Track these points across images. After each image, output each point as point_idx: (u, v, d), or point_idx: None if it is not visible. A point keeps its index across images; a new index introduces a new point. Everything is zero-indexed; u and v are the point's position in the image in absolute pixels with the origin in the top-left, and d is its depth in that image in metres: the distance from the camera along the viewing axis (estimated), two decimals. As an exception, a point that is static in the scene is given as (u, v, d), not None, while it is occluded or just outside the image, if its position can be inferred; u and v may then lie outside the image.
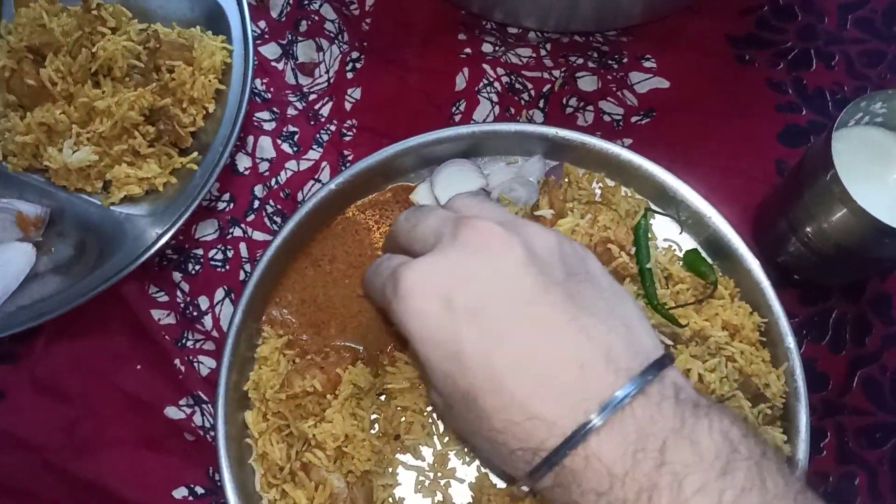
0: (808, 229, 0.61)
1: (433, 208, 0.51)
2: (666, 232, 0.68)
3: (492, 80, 0.74)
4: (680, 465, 0.38)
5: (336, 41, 0.75)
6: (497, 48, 0.75)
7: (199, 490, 0.63)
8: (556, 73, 0.74)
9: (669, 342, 0.61)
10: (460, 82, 0.74)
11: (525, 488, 0.44)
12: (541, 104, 0.73)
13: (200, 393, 0.64)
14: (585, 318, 0.42)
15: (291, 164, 0.71)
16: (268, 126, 0.72)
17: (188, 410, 0.64)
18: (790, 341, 0.62)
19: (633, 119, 0.73)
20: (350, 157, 0.71)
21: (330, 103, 0.72)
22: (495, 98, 0.73)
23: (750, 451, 0.39)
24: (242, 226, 0.69)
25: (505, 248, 0.44)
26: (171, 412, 0.64)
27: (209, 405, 0.64)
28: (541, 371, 0.41)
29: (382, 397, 0.62)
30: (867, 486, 0.63)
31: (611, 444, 0.39)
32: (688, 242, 0.68)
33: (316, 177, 0.70)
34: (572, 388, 0.41)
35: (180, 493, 0.62)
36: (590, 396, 0.40)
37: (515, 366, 0.41)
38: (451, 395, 0.44)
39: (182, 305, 0.67)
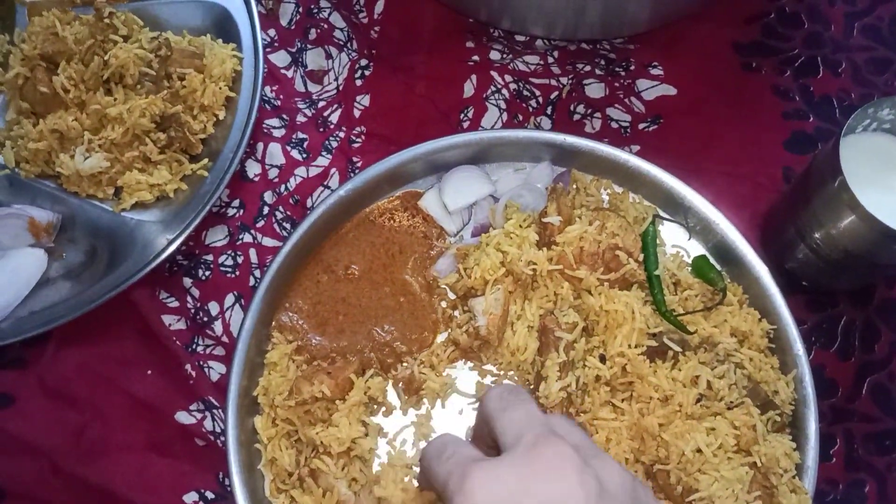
0: (817, 235, 0.61)
1: (526, 399, 0.49)
2: (674, 238, 0.68)
3: (500, 87, 0.74)
4: None
5: (345, 49, 0.75)
6: (505, 55, 0.75)
7: (210, 495, 0.63)
8: (564, 80, 0.74)
9: (678, 349, 0.61)
10: (468, 89, 0.74)
11: None
12: (549, 111, 0.73)
13: (211, 398, 0.64)
14: None
15: (301, 171, 0.71)
16: (277, 133, 0.72)
17: (199, 415, 0.64)
18: (799, 348, 0.62)
19: (641, 126, 0.73)
20: (359, 164, 0.71)
21: (339, 110, 0.73)
22: (503, 105, 0.73)
23: None
24: (252, 232, 0.69)
25: (580, 479, 0.43)
26: (182, 417, 0.64)
27: (220, 410, 0.64)
28: None
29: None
30: (876, 493, 0.63)
31: None
32: (696, 249, 0.68)
33: (325, 183, 0.71)
34: None
35: (190, 497, 0.62)
36: None
37: None
38: None
39: (192, 311, 0.67)
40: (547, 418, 0.48)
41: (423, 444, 0.60)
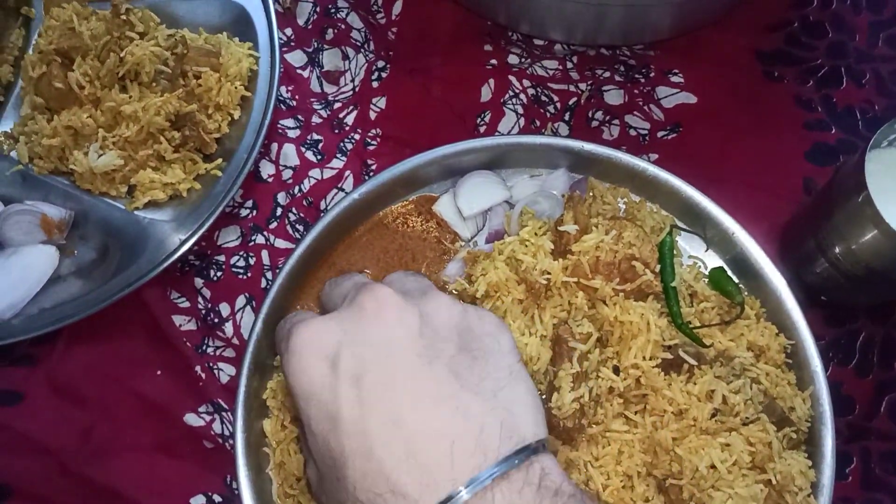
0: (838, 250, 0.60)
1: (353, 275, 0.53)
2: (691, 249, 0.67)
3: (517, 91, 0.73)
4: None
5: (362, 50, 0.74)
6: (523, 60, 0.74)
7: (217, 498, 0.62)
8: (583, 86, 0.73)
9: (693, 362, 0.60)
10: (486, 93, 0.73)
11: None
12: (566, 117, 0.73)
13: (220, 401, 0.64)
14: (466, 395, 0.43)
15: (315, 173, 0.70)
16: (292, 134, 0.72)
17: (208, 418, 0.64)
18: (817, 364, 0.61)
19: (660, 134, 0.72)
20: (373, 167, 0.71)
21: (354, 112, 0.72)
22: (520, 110, 0.73)
23: None
24: (265, 233, 0.69)
25: (399, 317, 0.45)
26: (191, 419, 0.64)
27: (229, 413, 0.64)
28: (411, 443, 0.41)
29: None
30: (893, 514, 0.62)
31: None
32: (713, 260, 0.67)
33: (339, 185, 0.70)
34: (439, 464, 0.41)
35: (198, 500, 0.62)
36: (456, 476, 0.40)
37: (387, 434, 0.42)
38: (323, 461, 0.44)
39: (203, 312, 0.67)
40: (384, 282, 0.49)
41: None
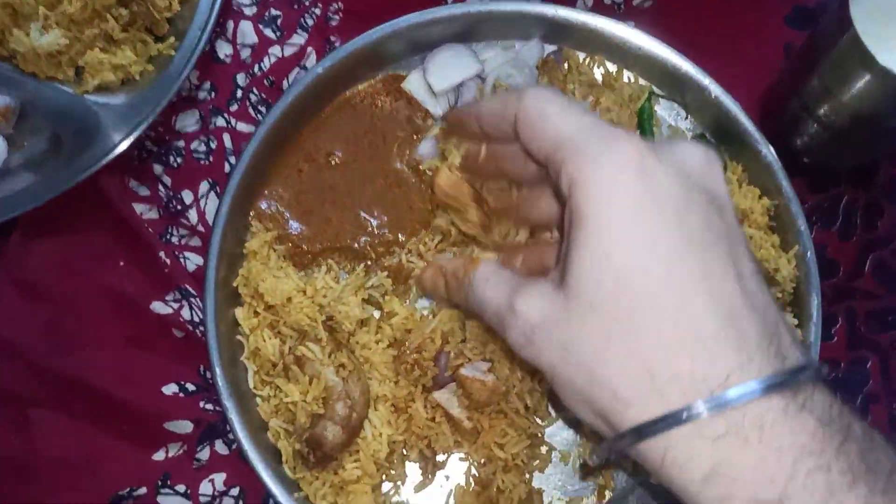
0: (823, 104, 0.58)
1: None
2: (670, 119, 0.65)
3: (487, -40, 0.69)
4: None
5: (319, -82, 0.70)
6: (492, -74, 0.70)
7: (191, 387, 0.61)
8: (555, -49, 0.69)
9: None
10: (454, -38, 0.69)
11: (602, 452, 0.40)
12: (539, -15, 0.69)
13: (188, 286, 0.61)
14: (753, 285, 0.38)
15: (275, 50, 0.67)
16: (248, 10, 0.67)
17: (175, 305, 0.61)
18: (802, 224, 0.60)
19: (636, 2, 0.69)
20: (337, 43, 0.67)
21: (314, -15, 0.68)
22: (491, -21, 0.69)
23: None
24: (225, 116, 0.65)
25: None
26: (158, 307, 0.61)
27: (197, 299, 0.61)
28: (697, 323, 0.36)
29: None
30: (879, 370, 0.62)
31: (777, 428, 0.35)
32: (693, 129, 0.65)
33: (301, 63, 0.66)
34: (728, 351, 0.36)
35: (170, 389, 0.60)
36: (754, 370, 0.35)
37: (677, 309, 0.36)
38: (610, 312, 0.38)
39: (165, 200, 0.63)
40: None
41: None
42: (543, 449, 0.59)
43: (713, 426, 0.35)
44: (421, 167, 0.63)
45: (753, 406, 0.35)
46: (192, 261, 0.63)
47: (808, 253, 0.59)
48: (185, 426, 0.60)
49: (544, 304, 0.41)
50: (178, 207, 0.63)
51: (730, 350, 0.36)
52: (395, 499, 0.58)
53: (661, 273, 0.37)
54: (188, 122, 0.65)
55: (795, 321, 0.58)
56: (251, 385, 0.59)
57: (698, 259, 0.37)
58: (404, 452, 0.58)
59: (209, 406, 0.60)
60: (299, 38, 0.67)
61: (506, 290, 0.44)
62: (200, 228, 0.63)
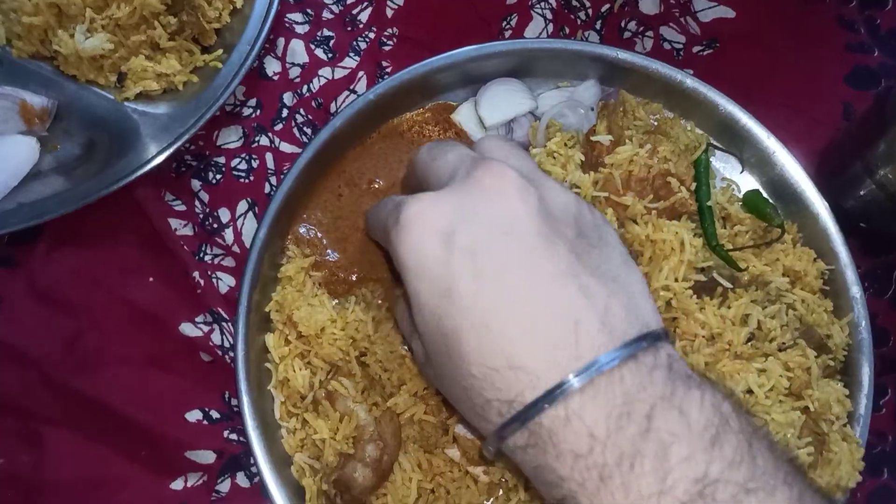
0: (887, 169, 0.56)
1: (456, 144, 0.48)
2: (725, 171, 0.64)
3: (546, -6, 0.68)
4: (666, 434, 0.37)
5: (378, -59, 0.68)
6: (554, -39, 0.69)
7: (215, 414, 0.58)
8: (615, -8, 0.68)
9: (728, 285, 0.56)
10: (512, -5, 0.68)
11: (491, 448, 0.42)
12: (597, 25, 0.67)
13: (220, 310, 0.59)
14: (588, 277, 0.41)
15: (325, 72, 0.65)
16: (300, 29, 0.66)
17: (206, 328, 0.59)
18: (856, 291, 0.58)
19: (695, 49, 0.68)
20: (388, 69, 0.65)
21: (369, 8, 0.66)
22: (549, 15, 0.67)
23: (741, 427, 0.38)
24: (269, 135, 0.63)
25: (519, 196, 0.42)
26: (187, 329, 0.59)
27: (229, 324, 0.59)
28: (532, 319, 0.39)
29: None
30: (927, 448, 0.60)
31: (595, 406, 0.38)
32: (747, 183, 0.63)
33: (351, 87, 0.65)
34: (562, 343, 0.39)
35: (193, 416, 0.57)
36: (580, 354, 0.38)
37: (507, 310, 0.40)
38: (433, 337, 0.42)
39: (201, 216, 0.61)
40: (485, 153, 0.46)
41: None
42: None
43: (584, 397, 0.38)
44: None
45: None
46: (225, 282, 0.60)
47: (864, 322, 0.57)
48: (207, 456, 0.57)
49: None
50: (215, 226, 0.61)
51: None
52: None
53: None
54: (230, 138, 0.63)
55: (846, 391, 0.56)
56: (277, 416, 0.57)
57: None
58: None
59: (233, 436, 0.58)
60: (351, 62, 0.65)
61: None
62: (235, 249, 0.61)
